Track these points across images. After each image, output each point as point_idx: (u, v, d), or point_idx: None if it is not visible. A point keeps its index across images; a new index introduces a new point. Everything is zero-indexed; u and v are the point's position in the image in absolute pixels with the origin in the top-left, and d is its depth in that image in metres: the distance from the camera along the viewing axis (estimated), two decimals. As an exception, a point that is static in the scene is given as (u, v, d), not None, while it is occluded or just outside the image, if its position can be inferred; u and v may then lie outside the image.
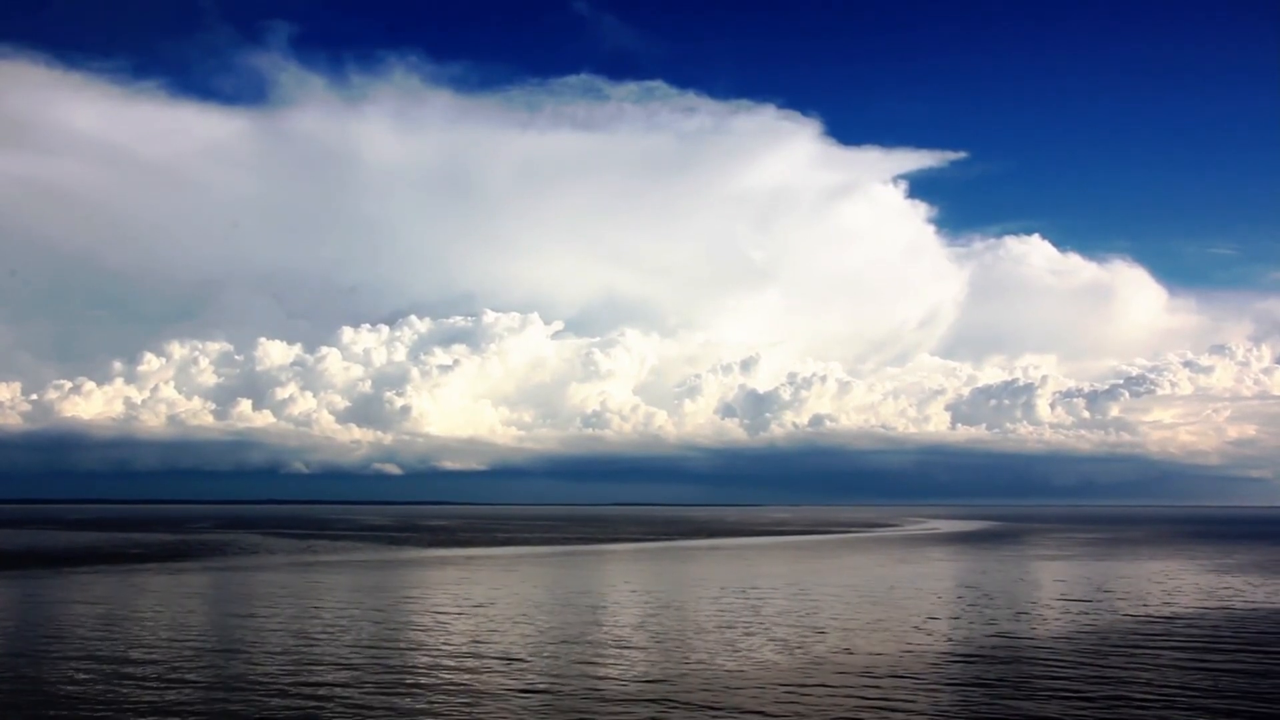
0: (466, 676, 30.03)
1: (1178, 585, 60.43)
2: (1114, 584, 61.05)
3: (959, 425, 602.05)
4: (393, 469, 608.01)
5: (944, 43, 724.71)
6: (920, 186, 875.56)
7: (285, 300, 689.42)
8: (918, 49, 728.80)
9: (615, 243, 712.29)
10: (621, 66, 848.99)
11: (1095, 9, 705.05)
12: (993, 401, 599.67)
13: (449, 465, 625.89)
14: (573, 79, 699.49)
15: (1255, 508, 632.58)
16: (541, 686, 28.64)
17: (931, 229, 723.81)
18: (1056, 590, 56.72)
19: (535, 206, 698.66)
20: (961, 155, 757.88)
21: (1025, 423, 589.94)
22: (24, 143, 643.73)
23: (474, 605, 47.91)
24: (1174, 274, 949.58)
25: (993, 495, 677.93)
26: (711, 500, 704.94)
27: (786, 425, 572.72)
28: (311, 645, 35.59)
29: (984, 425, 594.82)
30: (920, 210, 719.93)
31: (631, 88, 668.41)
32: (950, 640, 37.44)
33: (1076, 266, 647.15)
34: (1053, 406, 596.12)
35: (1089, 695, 27.64)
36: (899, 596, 52.72)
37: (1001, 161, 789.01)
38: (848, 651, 34.62)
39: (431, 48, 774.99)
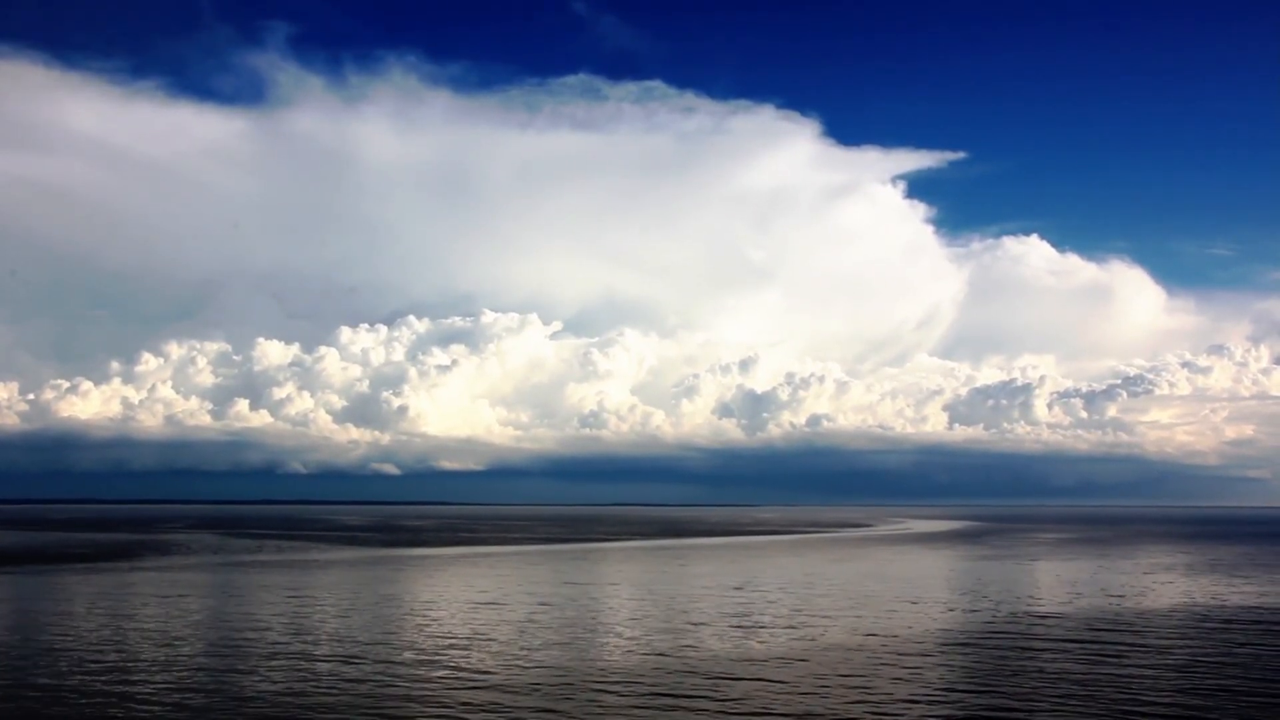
0: (291, 670, 30.30)
1: (1091, 584, 60.51)
2: (1023, 583, 61.16)
3: (956, 425, 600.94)
4: (390, 469, 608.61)
5: (943, 43, 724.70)
6: (919, 187, 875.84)
7: (284, 300, 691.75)
8: (917, 49, 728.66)
9: (614, 243, 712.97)
10: (620, 67, 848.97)
11: (1094, 9, 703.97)
12: (990, 401, 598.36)
13: (447, 465, 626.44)
14: (571, 79, 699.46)
15: (1253, 508, 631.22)
16: (373, 678, 28.91)
17: (930, 229, 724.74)
18: (957, 588, 56.79)
19: (534, 207, 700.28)
20: (960, 155, 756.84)
21: (1023, 423, 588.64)
22: (22, 143, 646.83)
23: (368, 604, 48.23)
24: (1172, 274, 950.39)
25: (991, 495, 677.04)
26: (709, 500, 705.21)
27: (784, 425, 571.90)
28: (155, 647, 35.94)
29: (982, 425, 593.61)
30: (919, 210, 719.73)
31: (630, 88, 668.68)
32: (792, 638, 37.60)
33: (1075, 267, 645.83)
34: (1050, 407, 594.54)
35: (873, 690, 27.86)
36: (791, 594, 52.85)
37: (1000, 162, 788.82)
38: (691, 649, 34.87)
39: (430, 48, 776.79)
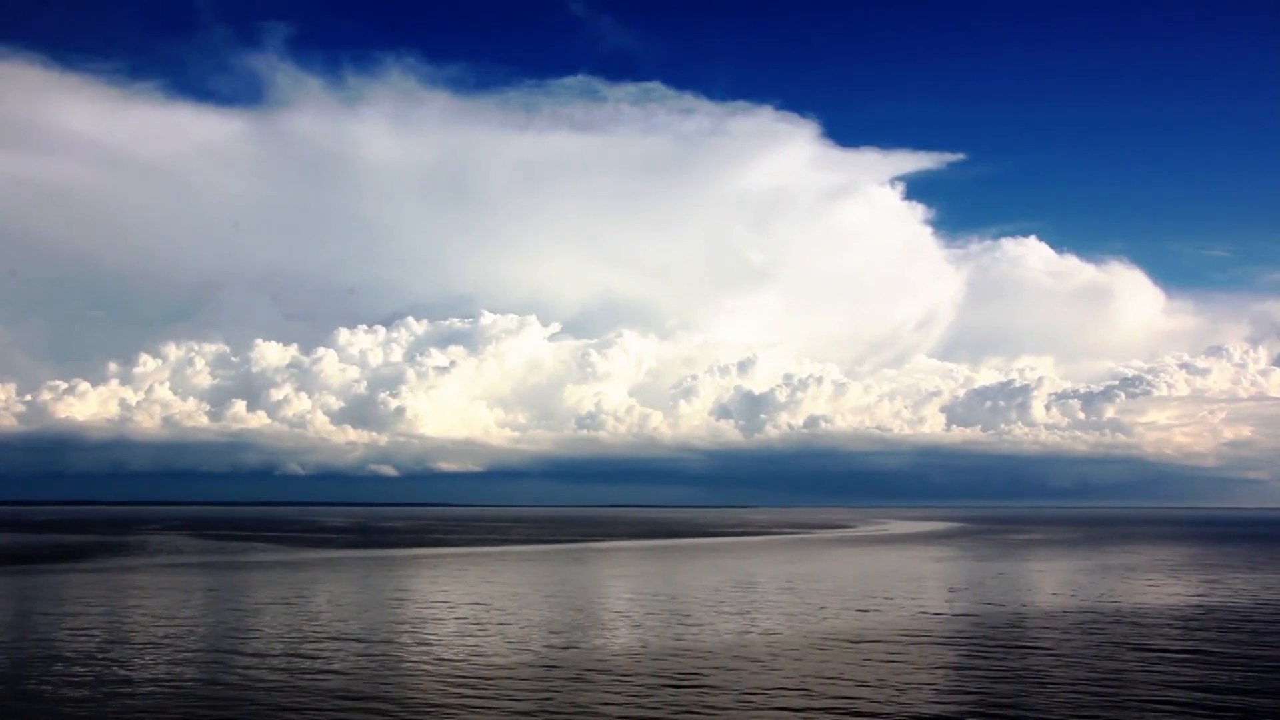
0: (168, 670, 30.64)
1: (1011, 584, 60.70)
2: (947, 583, 61.34)
3: (954, 426, 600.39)
4: (389, 470, 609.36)
5: (942, 44, 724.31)
6: (918, 188, 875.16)
7: (282, 301, 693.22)
8: (916, 50, 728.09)
9: (613, 244, 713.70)
10: (619, 68, 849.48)
11: (1092, 10, 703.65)
12: (988, 403, 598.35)
13: (445, 467, 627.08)
14: (570, 80, 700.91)
15: (1252, 509, 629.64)
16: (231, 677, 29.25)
17: (929, 230, 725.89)
18: (878, 589, 56.91)
19: (533, 208, 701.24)
20: (959, 157, 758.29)
21: (1021, 424, 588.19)
22: (21, 143, 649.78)
23: (274, 604, 48.56)
24: (1171, 276, 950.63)
25: (989, 496, 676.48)
26: (707, 502, 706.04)
27: (782, 427, 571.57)
28: (33, 644, 36.29)
29: (979, 426, 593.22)
30: (918, 212, 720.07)
31: (629, 89, 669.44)
32: (670, 638, 37.85)
33: (1073, 268, 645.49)
34: (1048, 408, 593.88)
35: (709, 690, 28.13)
36: (709, 595, 53.08)
37: (999, 163, 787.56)
38: (558, 649, 35.15)
39: (428, 49, 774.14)
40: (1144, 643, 36.75)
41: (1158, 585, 60.65)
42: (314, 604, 48.98)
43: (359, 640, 36.89)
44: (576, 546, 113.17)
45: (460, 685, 28.75)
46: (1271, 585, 61.13)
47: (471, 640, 37.11)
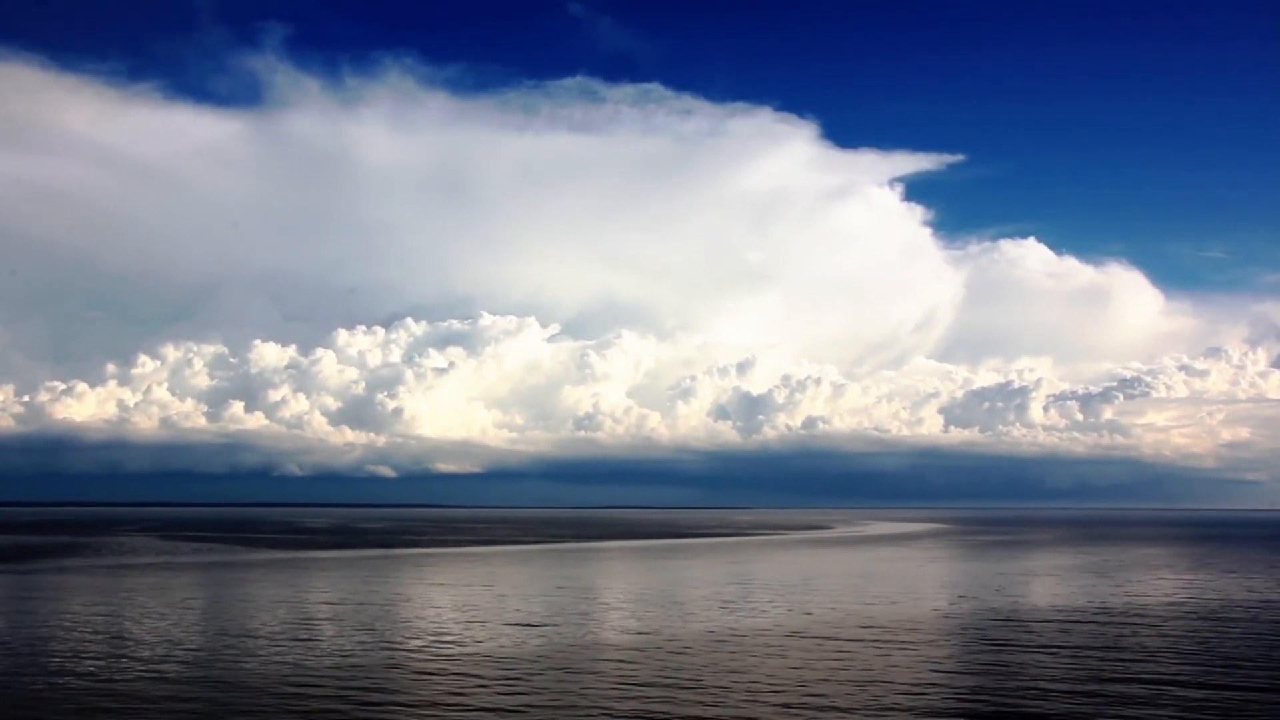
0: (90, 667, 30.71)
1: (948, 584, 60.60)
2: (881, 583, 61.23)
3: (952, 428, 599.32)
4: (387, 471, 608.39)
5: (941, 45, 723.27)
6: (917, 189, 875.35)
7: (282, 302, 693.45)
8: (915, 51, 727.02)
9: (613, 245, 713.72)
10: (618, 68, 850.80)
11: (1091, 12, 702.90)
12: (986, 404, 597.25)
13: (443, 468, 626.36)
14: (569, 81, 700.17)
15: (1250, 510, 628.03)
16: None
17: (928, 231, 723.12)
18: (800, 588, 56.85)
19: (532, 209, 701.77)
20: (958, 158, 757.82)
21: (1019, 425, 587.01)
22: (20, 144, 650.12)
23: (169, 606, 48.63)
24: (1170, 277, 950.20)
25: (986, 498, 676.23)
26: (705, 503, 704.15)
27: (780, 428, 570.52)
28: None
29: (978, 428, 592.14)
30: (917, 213, 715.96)
31: (628, 90, 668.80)
32: (557, 636, 37.83)
33: (1072, 269, 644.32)
34: (1046, 409, 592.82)
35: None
36: (632, 595, 53.04)
37: (998, 164, 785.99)
38: (427, 649, 35.09)
39: (427, 49, 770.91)
40: (1012, 639, 36.71)
41: (1074, 585, 60.60)
42: (216, 605, 49.01)
43: (237, 637, 36.91)
44: (542, 548, 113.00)
45: (292, 680, 28.69)
46: (1194, 585, 60.91)
47: (336, 639, 37.09)
